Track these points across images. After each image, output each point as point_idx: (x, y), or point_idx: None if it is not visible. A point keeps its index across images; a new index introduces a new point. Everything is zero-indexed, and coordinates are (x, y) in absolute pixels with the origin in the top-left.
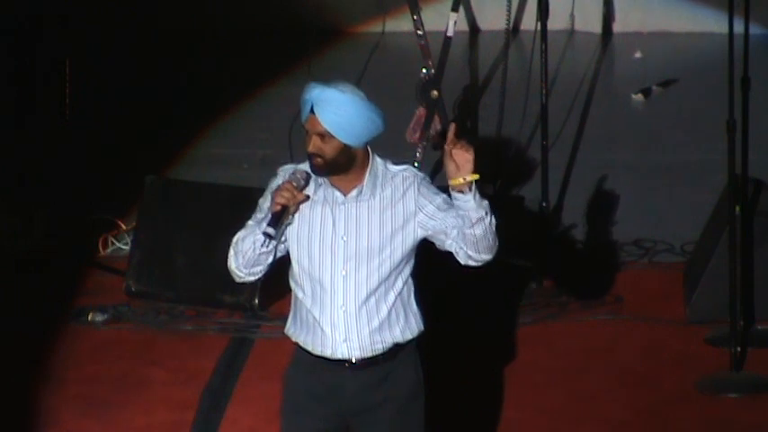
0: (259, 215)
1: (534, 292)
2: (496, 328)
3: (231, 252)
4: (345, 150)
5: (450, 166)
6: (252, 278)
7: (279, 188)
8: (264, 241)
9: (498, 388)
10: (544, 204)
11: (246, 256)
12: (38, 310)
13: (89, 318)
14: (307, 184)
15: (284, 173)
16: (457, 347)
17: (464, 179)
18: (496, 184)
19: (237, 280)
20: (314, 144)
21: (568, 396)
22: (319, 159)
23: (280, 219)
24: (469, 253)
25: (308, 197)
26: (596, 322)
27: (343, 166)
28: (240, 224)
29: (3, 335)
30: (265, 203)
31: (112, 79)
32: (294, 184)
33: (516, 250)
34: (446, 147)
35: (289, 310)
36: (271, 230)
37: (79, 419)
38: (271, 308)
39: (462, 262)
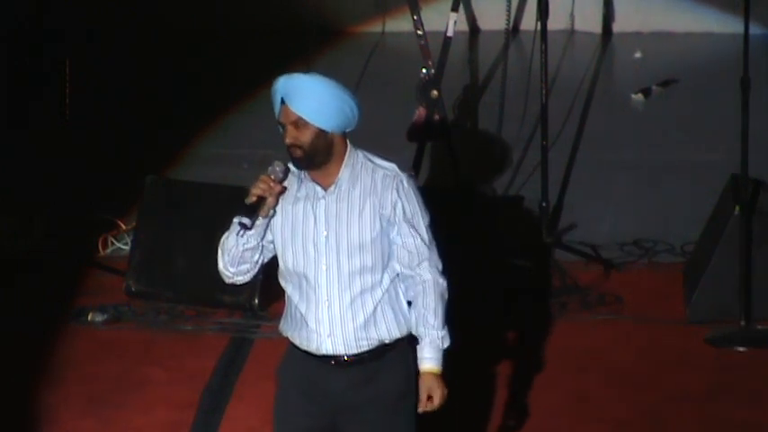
0: None
1: (535, 291)
2: (495, 328)
3: (219, 252)
4: (321, 136)
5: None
6: (240, 278)
7: (257, 180)
8: (239, 231)
9: (497, 388)
10: (544, 204)
11: (231, 253)
12: (38, 310)
13: (89, 318)
14: (285, 176)
15: None
16: (454, 347)
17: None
18: (496, 184)
19: (227, 281)
20: (290, 134)
21: (568, 396)
22: (298, 150)
23: (255, 210)
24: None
25: (284, 189)
26: (596, 322)
27: (322, 155)
28: None
29: (3, 335)
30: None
31: (112, 79)
32: (272, 176)
33: (516, 250)
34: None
35: None
36: (246, 221)
37: (79, 419)
38: (270, 308)
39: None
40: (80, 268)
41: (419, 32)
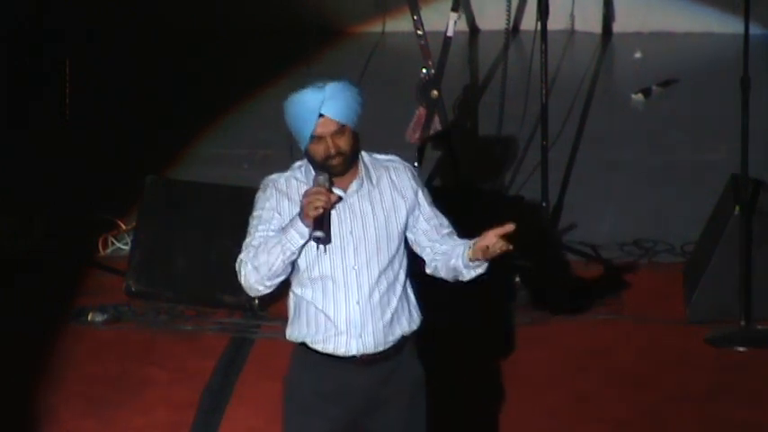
0: (261, 227)
1: (535, 291)
2: (496, 328)
3: (249, 267)
4: (357, 138)
5: (480, 246)
6: (270, 289)
7: (312, 194)
8: (318, 246)
9: (497, 388)
10: (544, 204)
11: (273, 267)
12: (38, 310)
13: (89, 318)
14: (332, 185)
15: (271, 183)
16: (455, 346)
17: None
18: (496, 184)
19: (254, 294)
20: (334, 144)
21: (568, 396)
22: (339, 158)
23: (322, 222)
24: (441, 274)
25: (340, 197)
26: (596, 322)
27: (355, 156)
28: (240, 224)
29: (3, 335)
30: (265, 213)
31: (112, 79)
32: (324, 187)
33: (516, 250)
34: (489, 239)
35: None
36: (320, 233)
37: (79, 419)
38: (271, 308)
39: (427, 271)
40: (80, 268)
41: (419, 32)
